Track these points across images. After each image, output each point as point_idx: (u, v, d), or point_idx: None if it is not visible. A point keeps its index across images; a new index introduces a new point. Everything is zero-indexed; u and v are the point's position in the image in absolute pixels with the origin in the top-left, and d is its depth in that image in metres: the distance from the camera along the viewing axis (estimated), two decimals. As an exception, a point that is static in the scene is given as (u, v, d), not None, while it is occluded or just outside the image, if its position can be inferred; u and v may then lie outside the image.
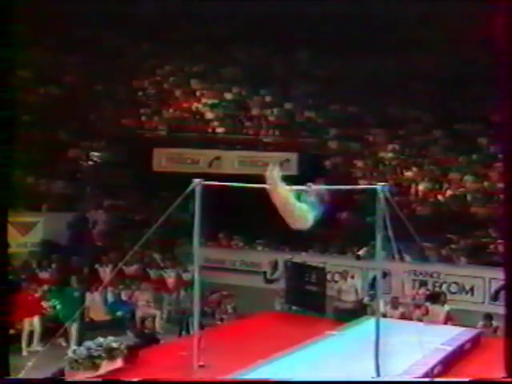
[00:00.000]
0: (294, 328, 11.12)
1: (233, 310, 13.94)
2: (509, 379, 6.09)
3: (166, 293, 14.95)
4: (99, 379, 8.12)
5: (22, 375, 7.54)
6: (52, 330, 12.24)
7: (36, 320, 12.26)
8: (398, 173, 19.39)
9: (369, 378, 7.99)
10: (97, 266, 14.87)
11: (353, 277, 13.58)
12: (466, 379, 7.44)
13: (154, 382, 7.84)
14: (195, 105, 21.52)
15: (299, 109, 21.74)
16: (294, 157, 18.74)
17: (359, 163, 19.91)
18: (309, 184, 7.30)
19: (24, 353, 11.78)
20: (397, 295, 12.57)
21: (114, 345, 8.75)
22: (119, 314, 13.28)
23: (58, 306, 12.38)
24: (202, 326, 9.57)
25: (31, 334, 12.22)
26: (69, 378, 8.13)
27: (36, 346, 12.09)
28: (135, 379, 7.79)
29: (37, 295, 12.60)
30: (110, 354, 8.62)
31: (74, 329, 12.03)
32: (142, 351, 9.35)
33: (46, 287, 13.36)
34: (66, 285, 13.08)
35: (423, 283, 13.90)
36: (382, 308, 10.45)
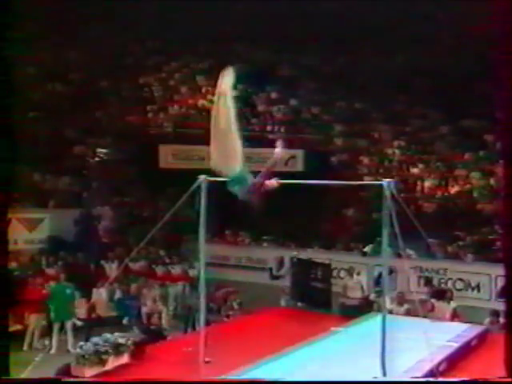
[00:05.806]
0: (300, 324, 11.12)
1: (238, 306, 13.92)
2: (509, 379, 6.04)
3: (170, 286, 14.94)
4: (96, 380, 8.14)
5: (29, 369, 7.57)
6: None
7: (41, 316, 12.26)
8: (404, 169, 19.35)
9: (372, 377, 7.96)
10: (103, 262, 14.93)
11: (359, 273, 13.57)
12: (467, 379, 7.39)
13: (152, 381, 7.83)
14: (201, 101, 21.51)
15: (305, 105, 21.70)
16: (299, 153, 18.71)
17: (365, 160, 19.88)
18: None
19: (25, 347, 11.80)
20: (402, 291, 12.53)
21: (121, 340, 8.80)
22: (125, 310, 13.29)
23: (50, 303, 12.34)
24: (207, 322, 9.59)
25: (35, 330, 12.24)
26: (75, 374, 8.17)
27: (36, 343, 12.08)
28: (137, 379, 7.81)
29: (44, 291, 12.60)
30: (117, 349, 8.66)
31: (69, 326, 12.01)
32: (148, 347, 9.38)
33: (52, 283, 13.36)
34: (67, 281, 12.99)
35: (429, 280, 13.87)
36: (388, 304, 10.43)
